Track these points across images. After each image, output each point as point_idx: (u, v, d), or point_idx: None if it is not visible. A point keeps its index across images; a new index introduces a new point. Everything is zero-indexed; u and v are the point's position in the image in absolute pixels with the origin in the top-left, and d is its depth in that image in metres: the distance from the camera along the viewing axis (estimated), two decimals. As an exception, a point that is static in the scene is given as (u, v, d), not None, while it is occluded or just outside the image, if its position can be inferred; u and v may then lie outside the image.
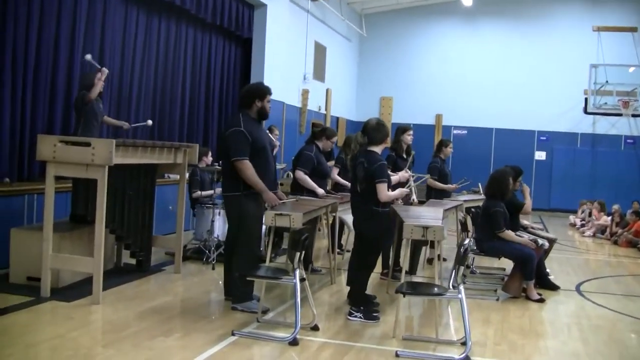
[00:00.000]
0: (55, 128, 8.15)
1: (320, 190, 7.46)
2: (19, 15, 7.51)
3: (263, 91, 5.87)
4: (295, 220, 5.54)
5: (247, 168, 5.59)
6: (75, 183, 6.62)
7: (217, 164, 8.39)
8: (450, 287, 5.52)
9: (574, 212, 16.41)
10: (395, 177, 6.87)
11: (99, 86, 7.06)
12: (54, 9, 8.06)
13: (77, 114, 7.19)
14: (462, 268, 5.04)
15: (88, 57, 7.36)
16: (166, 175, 9.22)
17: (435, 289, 5.18)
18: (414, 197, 7.94)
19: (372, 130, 5.88)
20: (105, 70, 7.29)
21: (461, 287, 4.98)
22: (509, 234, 7.11)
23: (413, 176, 7.36)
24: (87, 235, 6.64)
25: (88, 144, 5.76)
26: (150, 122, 8.16)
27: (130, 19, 9.72)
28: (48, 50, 8.04)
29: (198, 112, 11.80)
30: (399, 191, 6.08)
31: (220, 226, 8.10)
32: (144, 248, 7.18)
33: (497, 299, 6.93)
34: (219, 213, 8.09)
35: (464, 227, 7.99)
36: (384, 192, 5.68)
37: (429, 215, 6.31)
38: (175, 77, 10.99)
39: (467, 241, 5.22)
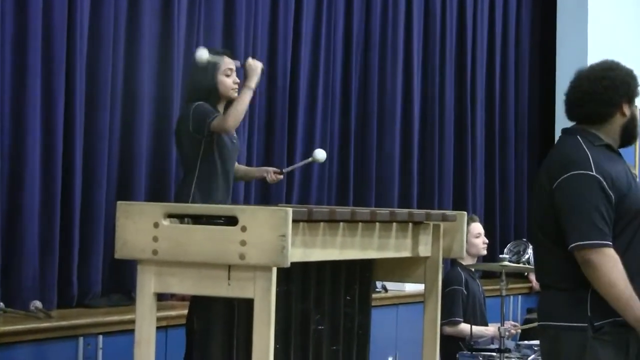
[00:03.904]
0: (135, 186, 8.38)
1: None
2: None
3: (636, 82, 5.69)
4: None
5: (610, 265, 5.29)
6: (197, 311, 6.64)
7: (505, 254, 8.40)
8: None
9: None
10: None
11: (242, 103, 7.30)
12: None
13: (186, 154, 7.38)
14: None
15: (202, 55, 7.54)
16: (380, 285, 9.27)
17: None
18: None
19: None
20: (237, 64, 7.55)
21: None
22: None
23: None
24: None
25: (233, 220, 5.53)
26: (319, 154, 8.19)
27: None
28: (115, 24, 8.45)
29: (441, 134, 11.90)
30: None
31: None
32: None
33: None
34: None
35: None
36: None
37: None
38: (388, 54, 11.22)
39: None
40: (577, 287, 5.47)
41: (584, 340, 5.47)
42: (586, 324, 5.45)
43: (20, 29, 7.72)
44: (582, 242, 5.34)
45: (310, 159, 8.46)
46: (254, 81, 7.46)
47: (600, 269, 5.32)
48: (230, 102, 7.50)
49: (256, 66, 7.50)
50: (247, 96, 7.38)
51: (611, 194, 5.41)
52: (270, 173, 8.09)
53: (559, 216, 5.45)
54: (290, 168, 8.54)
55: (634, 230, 5.54)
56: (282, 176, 8.30)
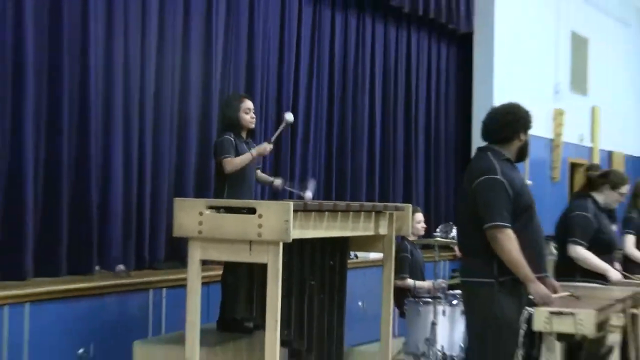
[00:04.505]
0: (186, 188, 8.57)
1: (614, 273, 7.34)
2: (130, 24, 8.05)
3: (530, 118, 5.98)
4: (584, 322, 5.35)
5: (509, 240, 5.57)
6: (229, 271, 6.89)
7: (437, 232, 8.56)
8: None
9: None
10: None
11: (244, 161, 7.39)
12: (178, 4, 8.56)
13: (219, 165, 7.43)
14: None
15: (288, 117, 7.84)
16: (353, 254, 9.45)
17: None
18: None
19: None
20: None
21: None
22: None
23: None
24: (247, 351, 6.96)
25: (253, 211, 5.86)
26: (309, 193, 7.93)
27: (290, 12, 10.11)
28: (172, 72, 8.53)
29: (394, 152, 12.05)
30: None
31: (445, 332, 8.10)
32: (332, 368, 7.35)
33: None
34: (444, 312, 8.11)
35: None
36: None
37: None
38: (358, 99, 11.32)
39: None
40: (487, 255, 5.67)
41: (492, 291, 5.68)
42: (493, 280, 5.67)
43: (108, 73, 7.87)
44: (491, 224, 5.60)
45: (302, 193, 7.98)
46: (257, 153, 7.53)
47: (502, 242, 5.57)
48: (249, 131, 7.64)
49: (266, 150, 7.65)
50: (247, 159, 7.32)
51: (511, 191, 5.66)
52: (267, 149, 7.77)
53: (476, 207, 5.70)
54: (289, 189, 8.18)
55: (525, 218, 5.76)
56: (271, 145, 7.86)
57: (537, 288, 5.60)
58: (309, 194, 7.87)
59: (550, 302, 5.57)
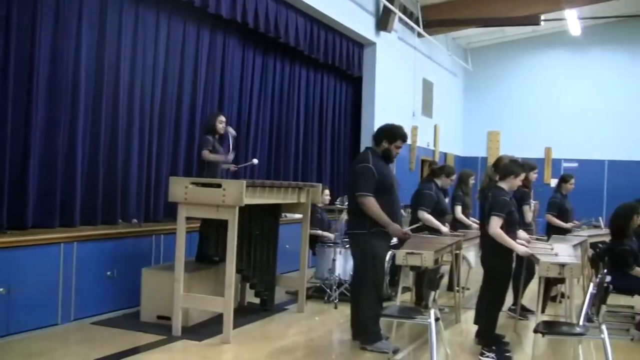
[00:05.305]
0: (178, 170, 8.41)
1: (445, 228, 7.45)
2: (147, 60, 7.90)
3: (393, 135, 5.90)
4: (426, 259, 5.46)
5: (371, 204, 5.60)
6: (203, 224, 6.79)
7: (337, 202, 8.40)
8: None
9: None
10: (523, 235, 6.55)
11: (218, 159, 7.27)
12: (177, 53, 8.39)
13: (200, 158, 7.34)
14: (603, 307, 4.70)
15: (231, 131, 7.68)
16: (284, 214, 9.31)
17: (577, 328, 4.91)
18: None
19: (504, 167, 5.88)
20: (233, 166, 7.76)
21: (603, 327, 4.68)
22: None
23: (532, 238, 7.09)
24: (214, 275, 6.82)
25: (219, 186, 5.86)
26: (255, 160, 8.22)
27: (247, 60, 9.96)
28: (172, 93, 8.35)
29: (311, 151, 11.98)
30: (520, 247, 5.75)
31: (341, 265, 8.08)
32: (268, 287, 7.24)
33: (632, 339, 6.57)
34: (340, 252, 8.08)
35: (594, 263, 7.53)
36: (495, 226, 5.59)
37: (562, 252, 6.04)
38: (289, 116, 11.22)
39: (608, 278, 4.91)
40: (363, 215, 5.68)
41: (367, 238, 5.71)
42: (366, 230, 5.70)
43: (130, 98, 7.67)
44: (359, 193, 5.66)
45: (251, 162, 8.22)
46: (222, 162, 7.39)
47: (366, 204, 5.63)
48: (220, 135, 7.48)
49: (230, 168, 7.66)
50: (216, 159, 7.20)
51: (376, 175, 5.68)
52: (233, 166, 7.87)
53: (353, 183, 5.73)
54: (241, 166, 8.29)
55: (389, 193, 5.74)
56: (236, 168, 8.07)
57: (393, 227, 5.66)
58: (255, 160, 8.07)
59: (401, 234, 5.67)
